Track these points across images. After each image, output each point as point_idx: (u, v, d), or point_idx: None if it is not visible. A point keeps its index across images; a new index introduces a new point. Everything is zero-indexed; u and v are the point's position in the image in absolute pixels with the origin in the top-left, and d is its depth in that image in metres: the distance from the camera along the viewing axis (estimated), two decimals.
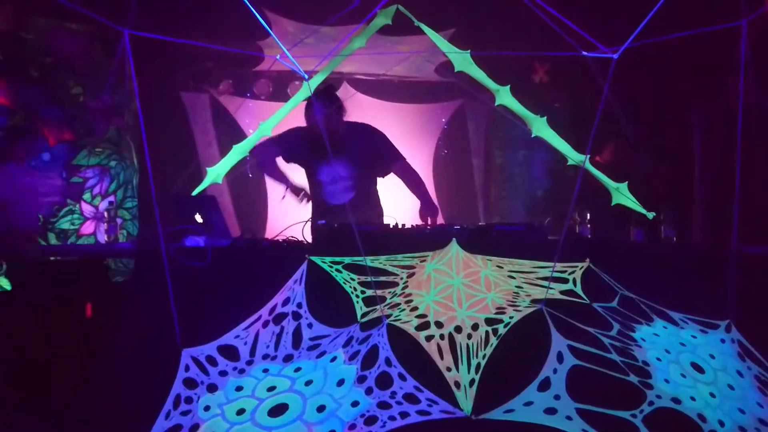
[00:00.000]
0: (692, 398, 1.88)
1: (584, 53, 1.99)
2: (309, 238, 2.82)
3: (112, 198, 5.13)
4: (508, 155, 6.78)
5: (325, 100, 3.71)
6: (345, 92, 6.18)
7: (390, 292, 2.24)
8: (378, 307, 2.09)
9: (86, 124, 5.01)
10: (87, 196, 4.99)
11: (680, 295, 2.40)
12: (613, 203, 2.32)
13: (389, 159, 3.92)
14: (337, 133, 3.71)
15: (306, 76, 2.02)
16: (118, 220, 5.12)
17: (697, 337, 2.17)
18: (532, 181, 6.64)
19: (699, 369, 2.01)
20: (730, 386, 1.98)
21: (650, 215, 2.39)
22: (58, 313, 2.87)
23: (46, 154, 4.78)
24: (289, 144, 3.87)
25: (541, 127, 2.31)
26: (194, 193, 2.46)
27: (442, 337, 1.97)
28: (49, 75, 4.85)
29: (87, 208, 4.98)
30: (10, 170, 4.23)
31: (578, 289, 2.28)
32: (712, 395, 1.92)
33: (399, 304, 2.15)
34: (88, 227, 4.98)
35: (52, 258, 3.79)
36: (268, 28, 1.81)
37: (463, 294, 2.15)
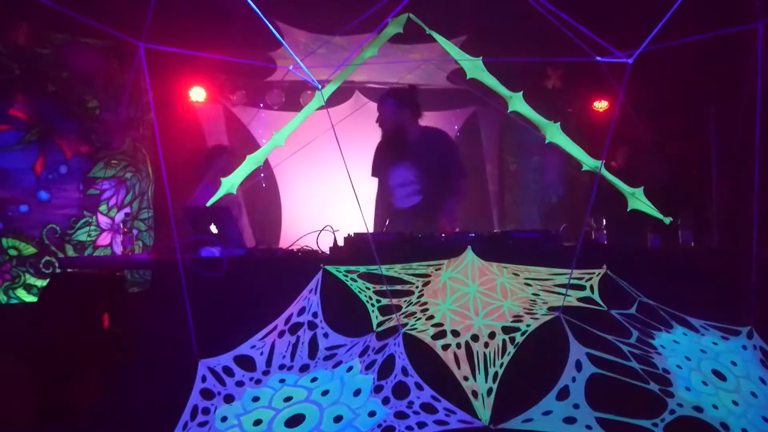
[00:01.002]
0: (714, 406, 1.85)
1: (598, 58, 1.98)
2: (324, 248, 2.82)
3: (128, 209, 5.18)
4: (522, 161, 6.77)
5: (398, 99, 3.76)
6: (357, 101, 6.21)
7: (405, 301, 2.23)
8: (394, 316, 2.08)
9: (102, 136, 5.07)
10: (103, 207, 5.04)
11: (700, 301, 2.37)
12: (629, 209, 2.30)
13: (453, 172, 3.88)
14: (408, 134, 3.74)
15: (319, 86, 2.02)
16: (134, 231, 5.17)
17: (719, 344, 2.13)
18: (547, 187, 6.61)
19: (721, 376, 1.97)
20: (753, 394, 1.94)
21: (667, 220, 2.36)
22: (76, 324, 2.89)
23: (63, 167, 4.83)
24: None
25: (554, 133, 2.30)
26: (209, 203, 2.48)
27: (458, 345, 1.95)
28: (65, 89, 4.91)
29: (103, 220, 5.03)
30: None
31: (596, 296, 2.25)
32: (735, 403, 1.88)
33: (415, 313, 2.14)
34: (104, 239, 5.02)
35: (69, 270, 3.83)
36: (281, 39, 1.83)
37: (479, 302, 2.14)
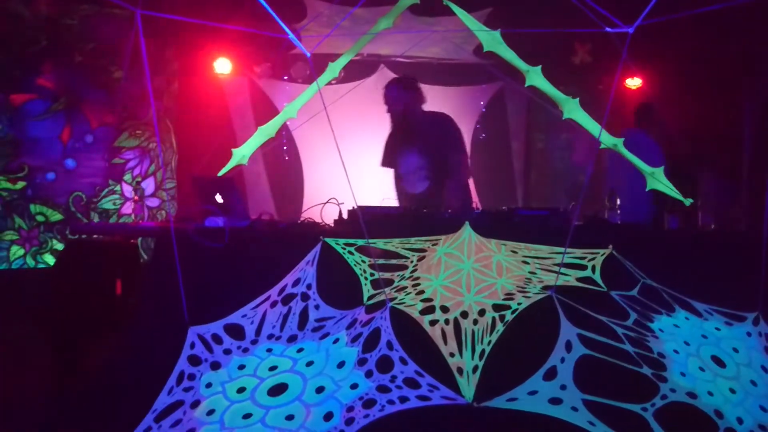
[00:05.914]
0: (710, 393, 1.79)
1: (607, 29, 1.92)
2: (328, 221, 2.82)
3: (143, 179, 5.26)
4: (550, 139, 6.61)
5: (402, 85, 3.77)
6: (382, 75, 6.14)
7: (398, 275, 2.21)
8: (385, 290, 2.06)
9: (127, 107, 5.14)
10: (128, 177, 5.14)
11: (710, 286, 2.28)
12: (647, 189, 2.21)
13: (451, 150, 3.88)
14: (414, 120, 3.75)
15: (309, 54, 2.01)
16: (154, 201, 5.26)
17: (722, 330, 2.05)
18: (574, 165, 6.47)
19: (720, 363, 1.90)
20: (753, 382, 1.87)
21: (687, 201, 2.26)
22: (89, 290, 2.95)
23: (88, 136, 4.94)
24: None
25: (573, 109, 2.22)
26: (220, 173, 2.49)
27: (446, 322, 1.93)
28: (92, 60, 4.99)
29: (128, 189, 5.13)
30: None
31: (597, 277, 2.19)
32: (733, 391, 1.82)
33: (406, 287, 2.12)
34: (128, 208, 5.13)
35: (95, 236, 3.93)
36: (268, 8, 1.79)
37: (472, 279, 2.10)
